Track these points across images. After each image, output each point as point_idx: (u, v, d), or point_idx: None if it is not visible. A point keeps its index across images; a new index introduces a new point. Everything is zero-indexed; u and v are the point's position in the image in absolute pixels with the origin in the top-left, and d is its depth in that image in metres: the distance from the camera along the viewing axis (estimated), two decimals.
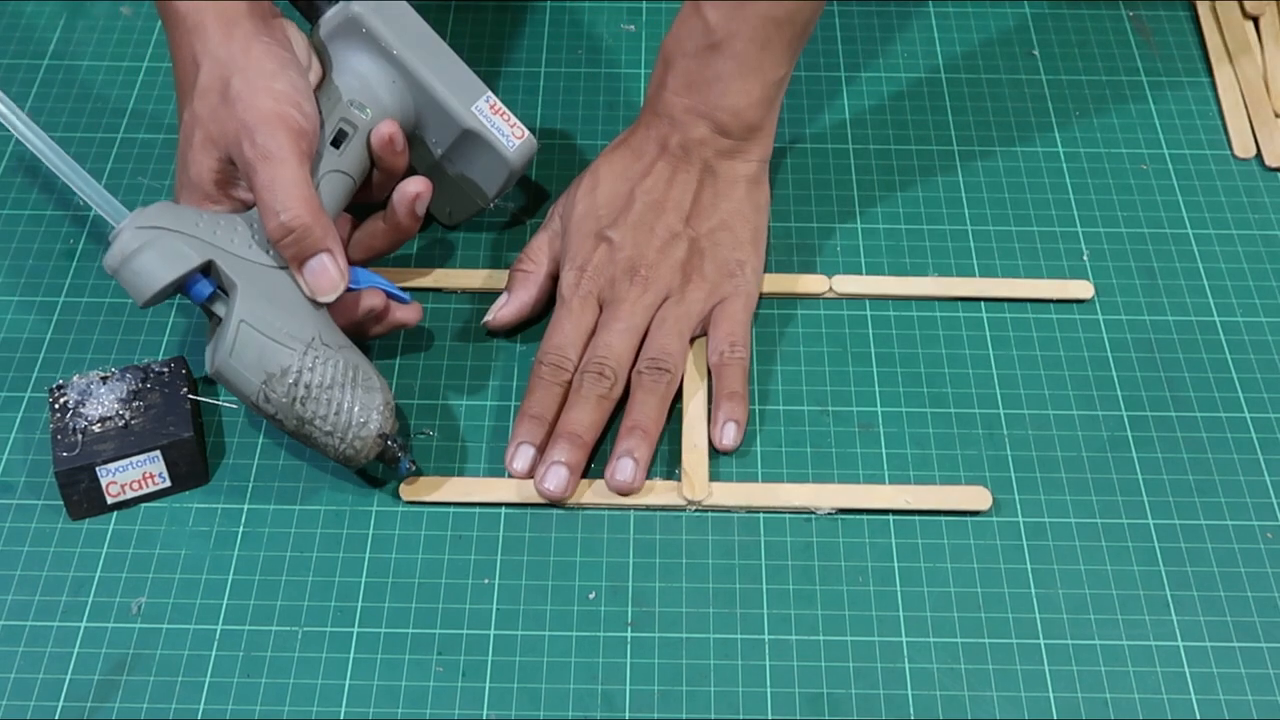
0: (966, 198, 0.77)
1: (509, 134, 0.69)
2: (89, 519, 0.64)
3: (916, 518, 0.64)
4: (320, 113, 0.64)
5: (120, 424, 0.63)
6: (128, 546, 0.63)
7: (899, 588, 0.62)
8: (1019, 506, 0.65)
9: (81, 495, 0.63)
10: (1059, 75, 0.84)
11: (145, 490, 0.64)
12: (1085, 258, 0.75)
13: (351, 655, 0.60)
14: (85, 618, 0.60)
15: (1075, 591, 0.62)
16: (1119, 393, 0.69)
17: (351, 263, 0.66)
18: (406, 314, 0.68)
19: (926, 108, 0.82)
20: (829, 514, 0.64)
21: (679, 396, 0.68)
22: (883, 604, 0.61)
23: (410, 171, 0.69)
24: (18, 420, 0.67)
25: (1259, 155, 0.80)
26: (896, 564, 0.63)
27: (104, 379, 0.64)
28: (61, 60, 0.84)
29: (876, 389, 0.69)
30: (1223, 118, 0.82)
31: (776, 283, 0.73)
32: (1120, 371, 0.70)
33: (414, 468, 0.64)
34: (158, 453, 0.63)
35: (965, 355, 0.70)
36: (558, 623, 0.61)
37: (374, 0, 0.67)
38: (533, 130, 0.80)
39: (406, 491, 0.64)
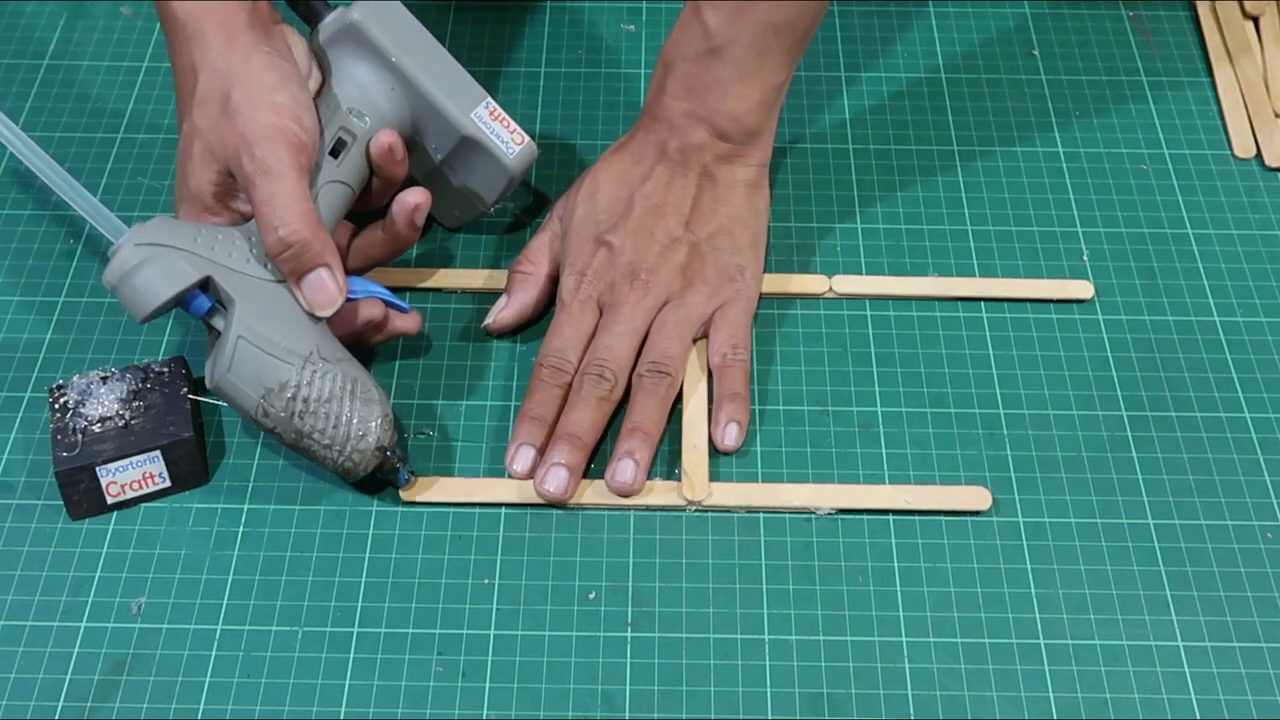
0: (966, 198, 0.77)
1: (509, 140, 0.69)
2: (89, 519, 0.64)
3: (916, 518, 0.64)
4: (320, 123, 0.64)
5: (120, 424, 0.63)
6: (128, 546, 0.63)
7: (899, 588, 0.62)
8: (1019, 506, 0.65)
9: (81, 495, 0.63)
10: (1059, 75, 0.84)
11: (145, 490, 0.64)
12: (1085, 258, 0.75)
13: (351, 655, 0.60)
14: (85, 618, 0.60)
15: (1075, 591, 0.62)
16: (1119, 393, 0.69)
17: (350, 271, 0.66)
18: (406, 323, 0.68)
19: (926, 108, 0.82)
20: (829, 514, 0.64)
21: (679, 399, 0.68)
22: (883, 604, 0.61)
23: (410, 179, 0.69)
24: (18, 420, 0.67)
25: (1259, 155, 0.80)
26: (896, 564, 0.63)
27: (104, 379, 0.64)
28: (61, 60, 0.84)
29: (876, 389, 0.69)
30: (1223, 118, 0.82)
31: (776, 283, 0.73)
32: (1120, 371, 0.70)
33: (412, 478, 0.64)
34: (158, 453, 0.63)
35: (965, 355, 0.70)
36: (558, 623, 0.61)
37: (373, 1, 0.67)
38: (532, 131, 0.80)
39: (406, 492, 0.64)
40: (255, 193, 0.60)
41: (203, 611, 0.61)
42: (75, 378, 0.64)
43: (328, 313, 0.62)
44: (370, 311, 0.66)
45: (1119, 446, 0.67)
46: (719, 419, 0.66)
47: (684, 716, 0.58)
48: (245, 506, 0.64)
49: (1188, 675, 0.59)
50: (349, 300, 0.63)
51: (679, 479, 0.65)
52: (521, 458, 0.65)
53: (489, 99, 0.69)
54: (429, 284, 0.73)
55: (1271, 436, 0.67)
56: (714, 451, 0.66)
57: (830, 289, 0.73)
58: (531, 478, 0.64)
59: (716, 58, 0.69)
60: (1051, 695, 0.59)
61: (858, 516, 0.64)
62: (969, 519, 0.64)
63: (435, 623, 0.61)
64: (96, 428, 0.63)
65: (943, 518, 0.64)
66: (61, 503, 0.63)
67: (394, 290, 0.69)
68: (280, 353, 0.60)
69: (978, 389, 0.69)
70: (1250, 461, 0.66)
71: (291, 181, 0.60)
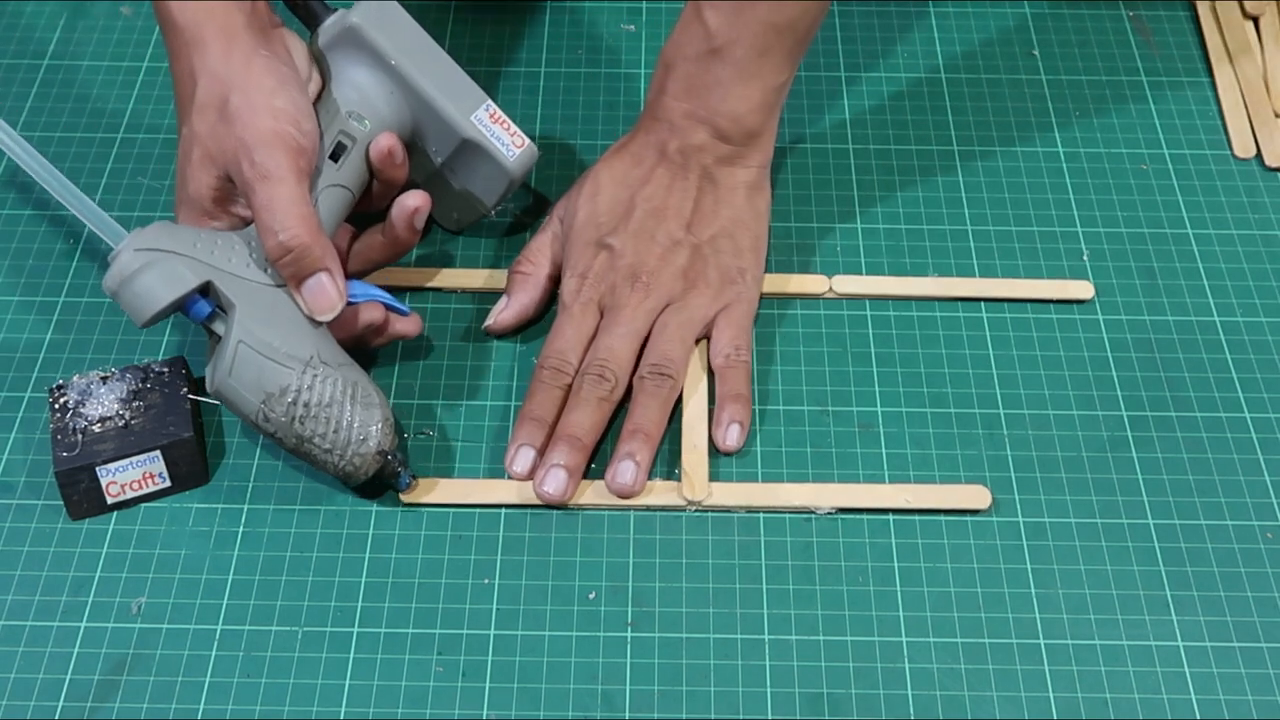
0: (966, 198, 0.77)
1: (509, 143, 0.69)
2: (89, 519, 0.64)
3: (916, 517, 0.64)
4: (319, 126, 0.64)
5: (120, 424, 0.63)
6: (128, 546, 0.63)
7: (899, 588, 0.62)
8: (1019, 506, 0.65)
9: (81, 495, 0.63)
10: (1059, 75, 0.84)
11: (145, 490, 0.64)
12: (1085, 258, 0.75)
13: (351, 655, 0.60)
14: (85, 618, 0.60)
15: (1075, 591, 0.62)
16: (1119, 393, 0.69)
17: (350, 274, 0.66)
18: (406, 326, 0.68)
19: (926, 108, 0.82)
20: (829, 514, 0.64)
21: (679, 400, 0.68)
22: (883, 604, 0.61)
23: (410, 181, 0.69)
24: (18, 420, 0.67)
25: (1259, 155, 0.80)
26: (896, 564, 0.63)
27: (104, 379, 0.64)
28: (61, 60, 0.84)
29: (876, 389, 0.69)
30: (1223, 118, 0.82)
31: (776, 283, 0.73)
32: (1120, 371, 0.70)
33: (414, 482, 0.64)
34: (158, 453, 0.63)
35: (965, 355, 0.70)
36: (558, 623, 0.61)
37: (373, 1, 0.67)
38: (532, 131, 0.80)
39: (407, 495, 0.64)
40: (255, 198, 0.60)
41: (203, 611, 0.61)
42: (75, 378, 0.64)
43: (328, 317, 0.62)
44: (371, 315, 0.66)
45: (1119, 446, 0.67)
46: (721, 419, 0.66)
47: (684, 716, 0.58)
48: (245, 506, 0.64)
49: (1188, 675, 0.59)
50: (349, 304, 0.63)
51: (679, 479, 0.65)
52: (521, 459, 0.65)
53: (489, 101, 0.69)
54: (429, 284, 0.73)
55: (1271, 436, 0.67)
56: (714, 451, 0.66)
57: (830, 289, 0.73)
58: (531, 479, 0.64)
59: (717, 58, 0.69)
60: (1051, 695, 0.59)
61: (858, 516, 0.64)
62: (969, 519, 0.64)
63: (435, 623, 0.61)
64: (96, 428, 0.63)
65: (942, 517, 0.64)
66: (61, 503, 0.63)
67: (394, 291, 0.69)
68: (281, 357, 0.60)
69: (978, 389, 0.69)
70: (1250, 461, 0.66)
71: (291, 186, 0.60)
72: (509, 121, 0.70)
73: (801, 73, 0.84)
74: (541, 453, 0.65)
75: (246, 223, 0.64)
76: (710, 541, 0.63)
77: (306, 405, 0.60)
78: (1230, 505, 0.65)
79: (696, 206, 0.70)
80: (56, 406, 0.63)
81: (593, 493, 0.64)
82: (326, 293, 0.62)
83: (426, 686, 0.59)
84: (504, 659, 0.59)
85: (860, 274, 0.74)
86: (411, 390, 0.69)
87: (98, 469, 0.62)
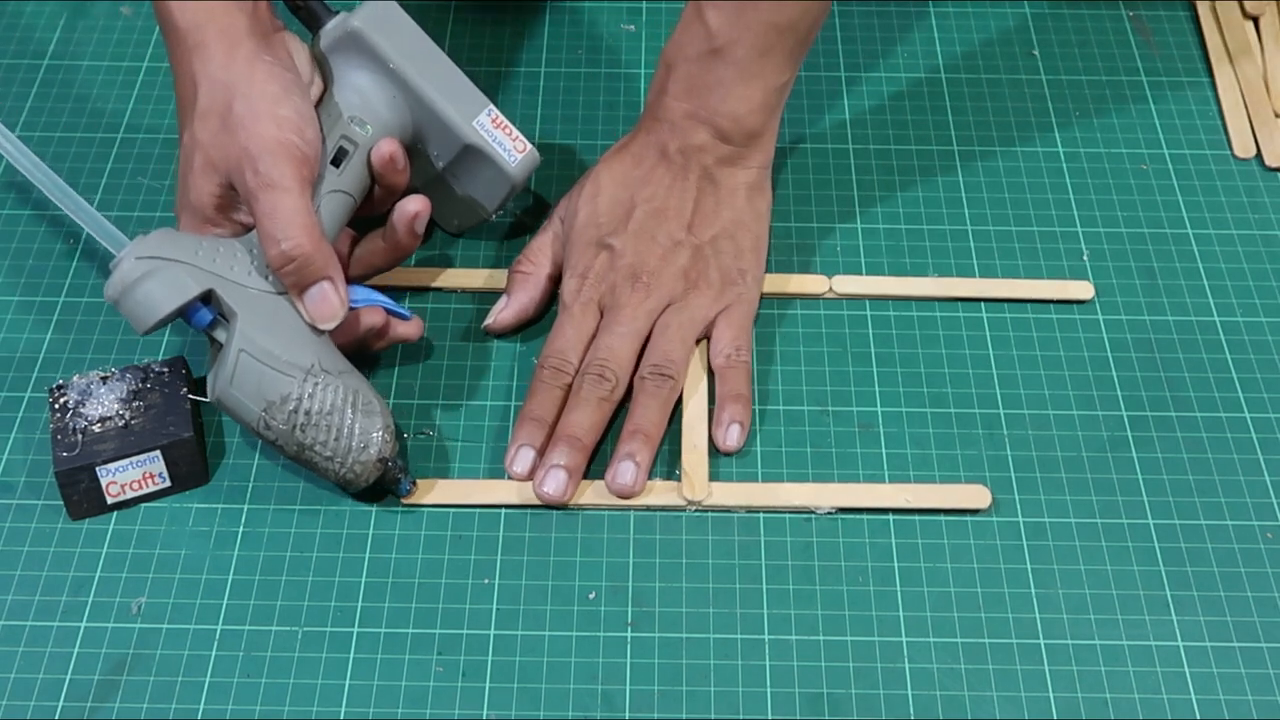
0: (966, 198, 0.77)
1: (511, 148, 0.69)
2: (89, 519, 0.64)
3: (916, 517, 0.64)
4: (321, 132, 0.64)
5: (120, 424, 0.63)
6: (128, 546, 0.63)
7: (899, 588, 0.62)
8: (1019, 506, 0.65)
9: (81, 495, 0.63)
10: (1059, 75, 0.84)
11: (145, 490, 0.64)
12: (1085, 258, 0.75)
13: (351, 655, 0.60)
14: (85, 618, 0.60)
15: (1075, 591, 0.62)
16: (1119, 393, 0.69)
17: (351, 279, 0.66)
18: (407, 330, 0.68)
19: (926, 108, 0.82)
20: (829, 513, 0.64)
21: (679, 401, 0.68)
22: (883, 604, 0.61)
23: (410, 186, 0.69)
24: (18, 420, 0.67)
25: (1259, 155, 0.80)
26: (896, 564, 0.63)
27: (104, 379, 0.64)
28: (61, 60, 0.84)
29: (876, 389, 0.69)
30: (1223, 118, 0.82)
31: (776, 283, 0.73)
32: (1120, 371, 0.70)
33: (414, 488, 0.64)
34: (158, 453, 0.63)
35: (965, 355, 0.70)
36: (558, 623, 0.61)
37: (374, 2, 0.67)
38: (532, 131, 0.80)
39: (407, 497, 0.64)
40: (258, 206, 0.60)
41: (203, 611, 0.61)
42: (75, 378, 0.64)
43: (330, 325, 0.62)
44: (371, 319, 0.66)
45: (1119, 446, 0.67)
46: (721, 419, 0.66)
47: (684, 716, 0.58)
48: (245, 506, 0.64)
49: (1188, 675, 0.59)
50: (350, 309, 0.63)
51: (679, 479, 0.65)
52: (521, 459, 0.65)
53: (491, 106, 0.69)
54: (429, 284, 0.73)
55: (1271, 436, 0.67)
56: (714, 451, 0.66)
57: (830, 289, 0.73)
58: (531, 479, 0.64)
59: (718, 58, 0.69)
60: (1051, 695, 0.59)
61: (858, 516, 0.64)
62: (969, 519, 0.64)
63: (435, 623, 0.61)
64: (96, 428, 0.63)
65: (942, 517, 0.64)
66: (61, 503, 0.63)
67: (394, 291, 0.69)
68: (282, 366, 0.60)
69: (978, 389, 0.69)
70: (1250, 461, 0.66)
71: (294, 195, 0.60)
72: (511, 126, 0.69)
73: (801, 73, 0.84)
74: (541, 453, 0.65)
75: (248, 229, 0.64)
76: (710, 541, 0.63)
77: (308, 413, 0.60)
78: (1230, 505, 0.65)
79: (697, 207, 0.70)
80: (56, 406, 0.63)
81: (593, 493, 0.64)
82: (329, 301, 0.62)
83: (426, 686, 0.59)
84: (504, 659, 0.59)
85: (860, 274, 0.74)
86: (411, 390, 0.69)
87: (98, 469, 0.62)
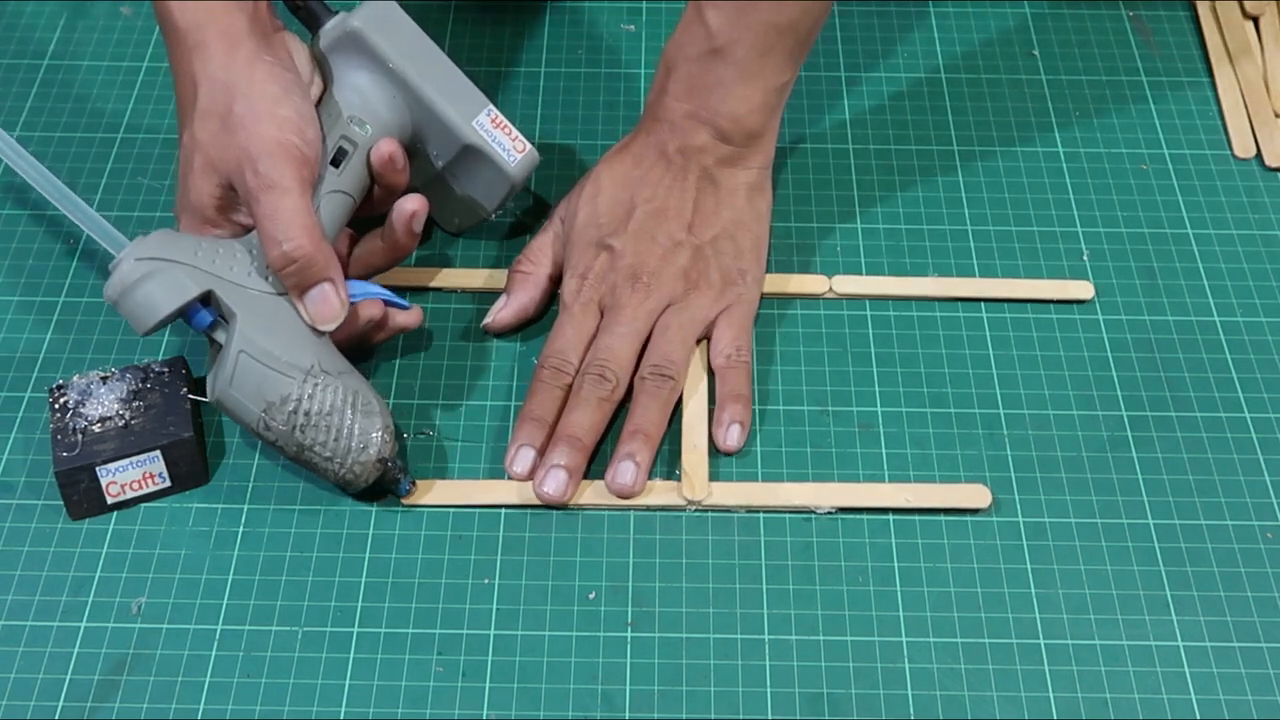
0: (966, 198, 0.77)
1: (510, 148, 0.69)
2: (89, 519, 0.64)
3: (916, 517, 0.64)
4: (321, 132, 0.64)
5: (120, 424, 0.63)
6: (128, 546, 0.63)
7: (899, 588, 0.62)
8: (1019, 506, 0.65)
9: (81, 495, 0.63)
10: (1059, 75, 0.84)
11: (145, 490, 0.64)
12: (1085, 258, 0.75)
13: (351, 655, 0.60)
14: (85, 618, 0.60)
15: (1075, 591, 0.62)
16: (1119, 393, 0.69)
17: (350, 279, 0.66)
18: (407, 318, 0.68)
19: (926, 108, 0.82)
20: (829, 513, 0.64)
21: (679, 401, 0.68)
22: (883, 604, 0.61)
23: (410, 185, 0.69)
24: (18, 420, 0.67)
25: (1259, 155, 0.80)
26: (896, 564, 0.63)
27: (104, 379, 0.64)
28: (61, 60, 0.84)
29: (876, 389, 0.69)
30: (1223, 118, 0.82)
31: (777, 283, 0.73)
32: (1120, 371, 0.70)
33: (413, 488, 0.64)
34: (158, 453, 0.63)
35: (965, 355, 0.70)
36: (558, 623, 0.61)
37: (374, 2, 0.67)
38: (532, 131, 0.80)
39: (406, 497, 0.64)
40: (258, 207, 0.60)
41: (203, 611, 0.61)
42: (75, 378, 0.64)
43: (330, 327, 0.62)
44: (370, 311, 0.66)
45: (1119, 446, 0.67)
46: (722, 419, 0.66)
47: (684, 716, 0.58)
48: (245, 506, 0.64)
49: (1188, 675, 0.59)
50: (350, 303, 0.63)
51: (679, 479, 0.65)
52: (521, 459, 0.65)
53: (490, 106, 0.69)
54: (429, 284, 0.73)
55: (1271, 436, 0.67)
56: (714, 451, 0.66)
57: (830, 289, 0.73)
58: (531, 479, 0.64)
59: (718, 58, 0.69)
60: (1051, 695, 0.59)
61: (858, 516, 0.64)
62: (969, 519, 0.64)
63: (435, 623, 0.61)
64: (96, 428, 0.63)
65: (942, 517, 0.64)
66: (61, 503, 0.63)
67: (393, 290, 0.69)
68: (281, 366, 0.60)
69: (978, 389, 0.69)
70: (1250, 461, 0.66)
71: (295, 196, 0.60)
72: (510, 126, 0.69)
73: (801, 73, 0.84)
74: (542, 453, 0.65)
75: (247, 230, 0.64)
76: (710, 541, 0.63)
77: (307, 414, 0.60)
78: (1230, 505, 0.65)
79: (697, 207, 0.70)
80: (56, 406, 0.63)
81: (593, 493, 0.64)
82: (329, 302, 0.62)
83: (426, 686, 0.59)
84: (504, 659, 0.59)
85: (860, 274, 0.74)
86: (411, 390, 0.69)
87: (98, 469, 0.62)
